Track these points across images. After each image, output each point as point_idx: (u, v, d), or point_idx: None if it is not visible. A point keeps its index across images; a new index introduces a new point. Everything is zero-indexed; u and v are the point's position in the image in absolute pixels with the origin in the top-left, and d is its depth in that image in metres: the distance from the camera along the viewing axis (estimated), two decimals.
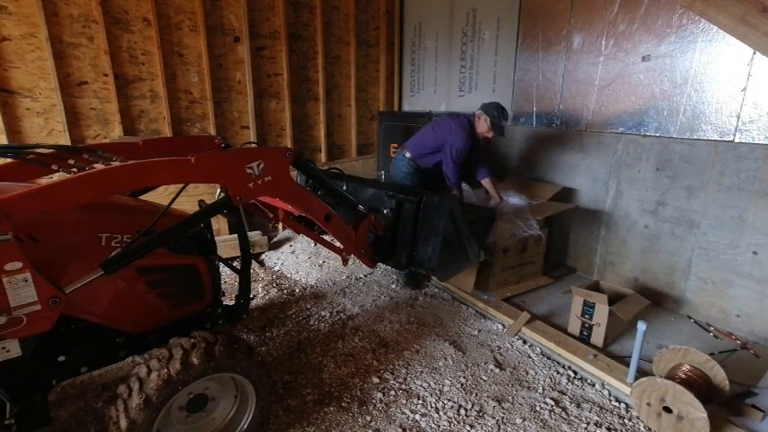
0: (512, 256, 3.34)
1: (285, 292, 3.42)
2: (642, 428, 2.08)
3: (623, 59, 3.26)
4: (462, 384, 2.38)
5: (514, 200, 3.53)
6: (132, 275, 1.73)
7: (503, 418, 2.14)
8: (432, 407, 2.21)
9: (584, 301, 2.72)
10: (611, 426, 2.09)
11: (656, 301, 3.17)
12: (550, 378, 2.44)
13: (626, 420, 2.13)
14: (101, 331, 1.74)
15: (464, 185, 3.60)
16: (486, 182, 3.53)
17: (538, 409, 2.20)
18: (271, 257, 4.10)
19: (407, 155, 3.53)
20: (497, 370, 2.49)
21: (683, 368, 2.10)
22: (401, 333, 2.87)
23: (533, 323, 2.84)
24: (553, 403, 2.23)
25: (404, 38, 5.34)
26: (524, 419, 2.13)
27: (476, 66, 4.51)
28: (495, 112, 3.31)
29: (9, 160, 1.79)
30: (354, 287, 3.53)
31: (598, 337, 2.67)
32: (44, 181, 1.56)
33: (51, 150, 1.78)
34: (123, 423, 1.51)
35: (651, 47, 3.08)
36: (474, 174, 3.57)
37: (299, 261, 3.98)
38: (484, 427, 2.08)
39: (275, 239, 4.44)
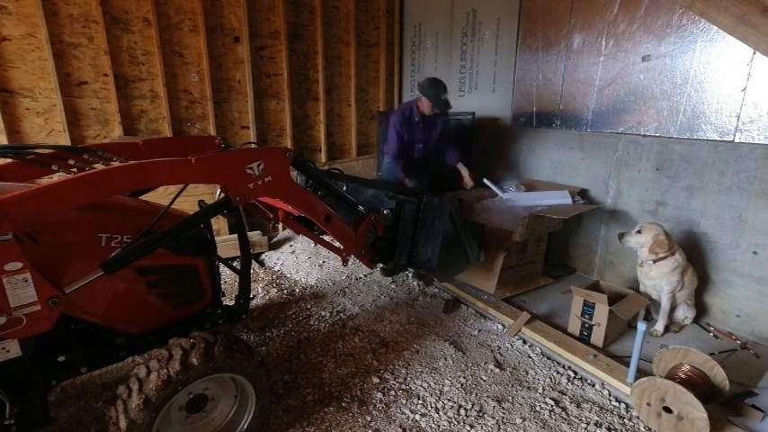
0: (512, 256, 3.34)
1: (285, 292, 3.42)
2: (642, 428, 2.08)
3: (623, 59, 3.26)
4: (462, 384, 2.38)
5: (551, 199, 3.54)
6: (132, 276, 1.73)
7: (503, 418, 2.14)
8: (432, 407, 2.21)
9: (584, 301, 2.72)
10: (611, 426, 2.09)
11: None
12: (550, 378, 2.44)
13: (626, 420, 2.13)
14: (101, 331, 1.74)
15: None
16: (459, 165, 3.65)
17: (538, 409, 2.20)
18: (271, 257, 4.10)
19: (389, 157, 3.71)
20: (497, 370, 2.49)
21: (683, 368, 2.10)
22: (401, 333, 2.87)
23: (533, 323, 2.84)
24: (553, 403, 2.23)
25: (404, 38, 5.34)
26: (524, 419, 2.13)
27: (476, 66, 4.51)
28: (431, 90, 3.32)
29: (9, 160, 1.79)
30: (354, 287, 3.53)
31: (598, 337, 2.67)
32: (44, 181, 1.56)
33: (51, 150, 1.78)
34: (123, 423, 1.51)
35: (651, 47, 3.08)
36: (444, 158, 3.73)
37: (299, 261, 3.98)
38: (484, 427, 2.08)
39: (275, 239, 4.44)
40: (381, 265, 3.52)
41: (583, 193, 3.67)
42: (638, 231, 2.79)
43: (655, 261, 2.73)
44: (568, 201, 3.45)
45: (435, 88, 3.32)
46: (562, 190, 3.59)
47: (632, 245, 2.82)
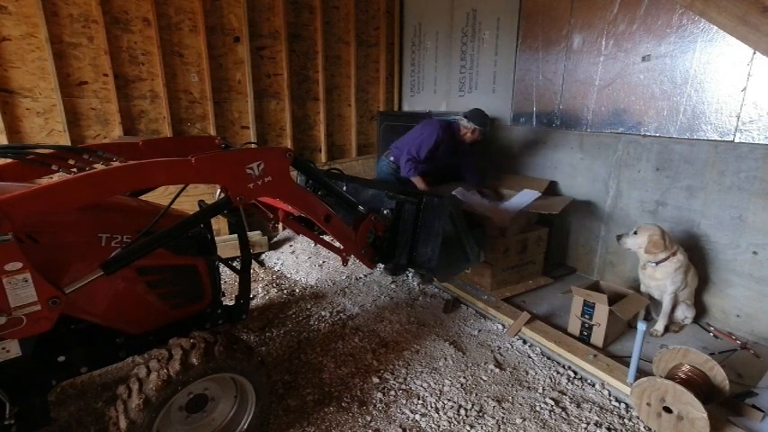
0: (512, 256, 3.34)
1: (285, 292, 3.42)
2: (642, 428, 2.08)
3: (623, 59, 3.26)
4: (462, 384, 2.38)
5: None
6: (132, 276, 1.73)
7: (503, 418, 2.14)
8: (432, 407, 2.21)
9: (584, 301, 2.72)
10: (611, 426, 2.09)
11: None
12: (550, 378, 2.44)
13: (626, 420, 2.13)
14: (101, 331, 1.74)
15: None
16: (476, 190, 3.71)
17: (538, 409, 2.20)
18: (271, 257, 4.10)
19: (391, 158, 3.71)
20: (497, 370, 2.49)
21: (683, 368, 2.10)
22: (401, 333, 2.87)
23: (533, 323, 2.84)
24: (553, 403, 2.23)
25: (404, 38, 5.34)
26: (524, 419, 2.13)
27: (476, 66, 4.50)
28: (486, 119, 3.56)
29: (9, 160, 1.79)
30: (354, 287, 3.53)
31: (598, 337, 2.67)
32: (44, 181, 1.56)
33: (51, 150, 1.78)
34: (123, 423, 1.51)
35: (651, 47, 3.08)
36: (463, 179, 3.84)
37: (299, 261, 3.98)
38: (484, 427, 2.08)
39: (275, 239, 4.44)
40: (383, 266, 3.53)
41: (551, 187, 3.79)
42: (635, 232, 2.80)
43: (657, 263, 2.73)
44: (537, 194, 3.53)
45: (488, 118, 3.61)
46: (529, 190, 3.64)
47: (629, 246, 2.83)
